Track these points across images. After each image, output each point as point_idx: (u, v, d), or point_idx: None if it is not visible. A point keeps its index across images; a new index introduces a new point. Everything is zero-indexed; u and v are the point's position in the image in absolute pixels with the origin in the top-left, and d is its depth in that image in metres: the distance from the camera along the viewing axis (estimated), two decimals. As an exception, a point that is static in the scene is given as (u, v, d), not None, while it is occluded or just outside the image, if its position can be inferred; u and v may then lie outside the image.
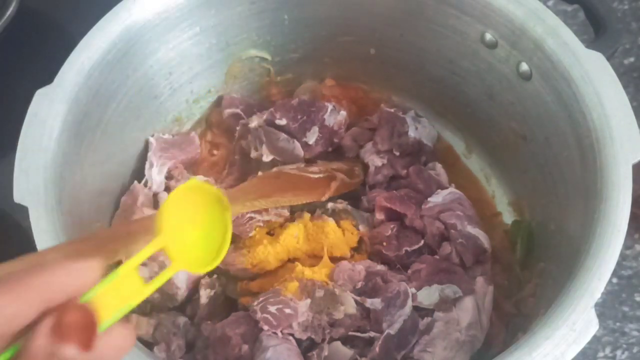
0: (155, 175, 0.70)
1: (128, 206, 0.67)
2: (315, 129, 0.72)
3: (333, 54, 0.78)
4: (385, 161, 0.72)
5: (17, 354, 0.31)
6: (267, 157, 0.71)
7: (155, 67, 0.68)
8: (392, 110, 0.74)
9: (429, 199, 0.68)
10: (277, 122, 0.71)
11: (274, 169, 0.71)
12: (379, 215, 0.69)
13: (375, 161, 0.73)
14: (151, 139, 0.72)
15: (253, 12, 0.71)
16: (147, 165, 0.70)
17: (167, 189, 0.70)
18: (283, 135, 0.71)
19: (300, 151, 0.72)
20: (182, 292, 0.64)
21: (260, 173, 0.71)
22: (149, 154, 0.71)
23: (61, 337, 0.31)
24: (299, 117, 0.72)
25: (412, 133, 0.72)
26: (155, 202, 0.69)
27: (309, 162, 0.74)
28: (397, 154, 0.72)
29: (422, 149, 0.74)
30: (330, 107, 0.73)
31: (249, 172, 0.73)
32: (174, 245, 0.39)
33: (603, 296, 0.72)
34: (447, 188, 0.70)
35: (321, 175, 0.70)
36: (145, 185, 0.69)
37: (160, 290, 0.64)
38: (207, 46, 0.72)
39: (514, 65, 0.64)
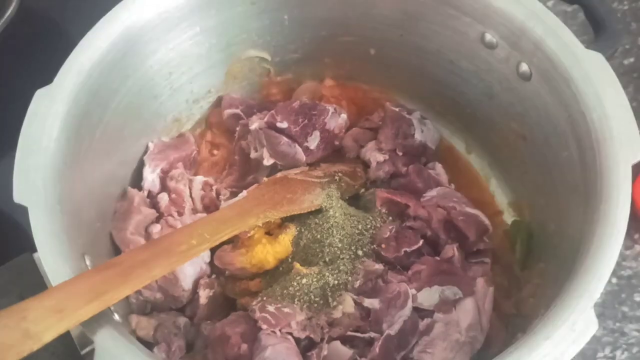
0: (148, 174, 0.70)
1: (125, 209, 0.67)
2: (317, 133, 0.72)
3: (333, 54, 0.78)
4: (387, 157, 0.73)
5: None
6: (267, 161, 0.71)
7: (155, 67, 0.68)
8: (398, 109, 0.74)
9: (424, 194, 0.69)
10: (278, 124, 0.70)
11: (279, 174, 0.71)
12: (381, 209, 0.69)
13: (377, 157, 0.73)
14: (150, 144, 0.72)
15: (253, 12, 0.71)
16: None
17: (166, 190, 0.70)
18: (284, 139, 0.71)
19: (301, 156, 0.72)
20: (187, 294, 0.64)
21: (265, 179, 0.70)
22: (145, 156, 0.71)
23: None
24: (300, 120, 0.71)
25: (418, 136, 0.73)
26: (154, 203, 0.69)
27: (311, 165, 0.74)
28: (400, 153, 0.73)
29: (425, 151, 0.74)
30: (331, 110, 0.73)
31: (249, 172, 0.73)
32: None
33: (603, 296, 0.72)
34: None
35: (326, 180, 0.71)
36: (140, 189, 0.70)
37: (164, 291, 0.64)
38: (207, 46, 0.72)
39: (514, 66, 0.64)
